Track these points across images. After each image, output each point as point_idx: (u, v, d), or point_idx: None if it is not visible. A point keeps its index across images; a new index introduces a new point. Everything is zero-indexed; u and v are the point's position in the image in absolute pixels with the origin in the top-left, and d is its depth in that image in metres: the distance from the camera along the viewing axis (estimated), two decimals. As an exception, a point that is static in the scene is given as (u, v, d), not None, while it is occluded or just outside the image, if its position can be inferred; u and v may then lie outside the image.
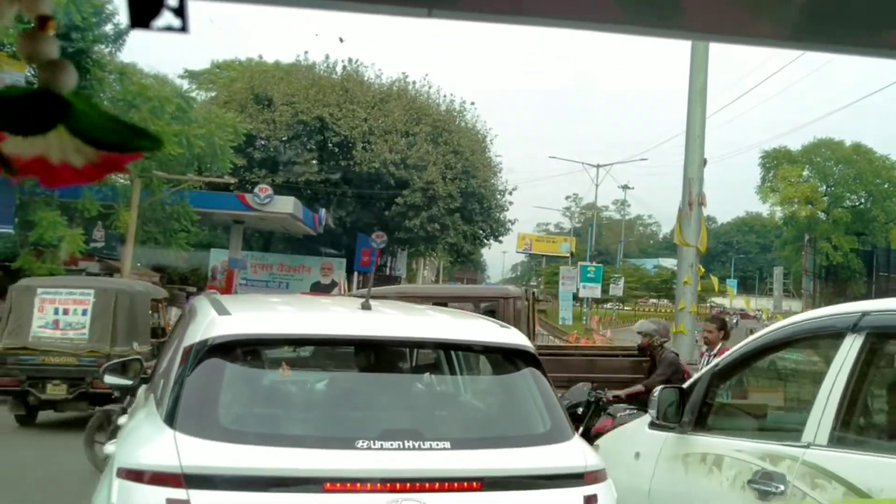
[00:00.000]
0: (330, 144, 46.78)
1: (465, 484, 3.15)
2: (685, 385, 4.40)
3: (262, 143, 45.79)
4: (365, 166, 44.94)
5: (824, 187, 68.88)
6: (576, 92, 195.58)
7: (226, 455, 3.00)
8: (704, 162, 15.04)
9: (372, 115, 46.38)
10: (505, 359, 3.88)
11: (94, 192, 30.51)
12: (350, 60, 50.72)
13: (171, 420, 3.13)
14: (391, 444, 3.16)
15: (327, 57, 50.51)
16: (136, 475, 2.95)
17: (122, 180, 33.12)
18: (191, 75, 52.86)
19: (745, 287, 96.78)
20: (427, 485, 3.07)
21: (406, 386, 4.10)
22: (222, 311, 3.56)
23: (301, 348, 4.29)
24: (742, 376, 4.60)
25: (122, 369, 5.01)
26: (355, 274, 48.94)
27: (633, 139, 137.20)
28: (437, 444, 3.24)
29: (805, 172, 70.07)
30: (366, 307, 3.83)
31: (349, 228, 48.70)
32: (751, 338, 4.12)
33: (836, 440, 3.23)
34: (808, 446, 3.28)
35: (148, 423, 3.37)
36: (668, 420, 4.26)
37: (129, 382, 4.89)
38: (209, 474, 2.95)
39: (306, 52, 48.74)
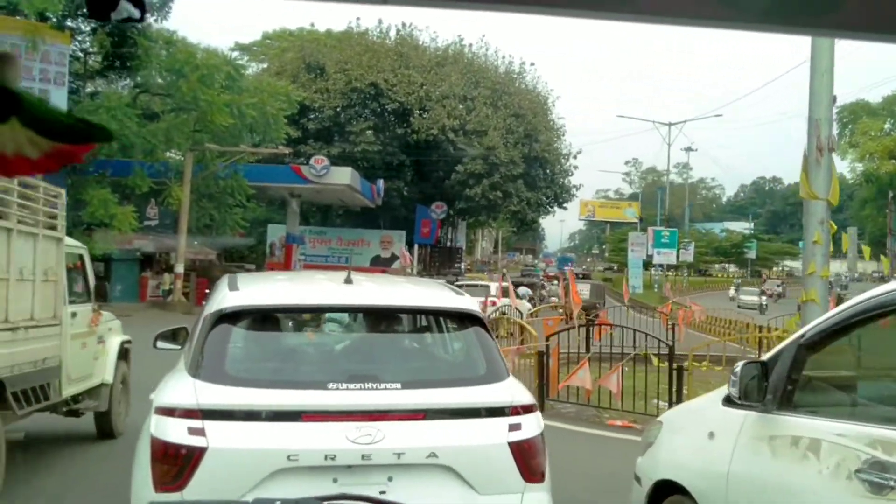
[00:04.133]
0: (385, 112, 45.05)
1: (411, 415, 4.01)
2: (766, 357, 4.00)
3: (316, 113, 44.34)
4: (423, 134, 43.15)
5: (909, 140, 64.68)
6: (645, 47, 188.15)
7: (231, 395, 3.93)
8: (834, 99, 12.56)
9: (428, 80, 44.48)
10: (455, 319, 4.76)
11: (146, 167, 29.41)
12: (404, 24, 48.87)
13: (192, 371, 4.11)
14: (355, 386, 4.03)
15: (380, 22, 48.74)
16: (167, 411, 3.89)
17: (174, 155, 31.95)
18: (241, 48, 51.58)
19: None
20: (381, 415, 3.94)
21: (372, 341, 5.05)
22: (234, 287, 4.56)
23: (292, 314, 5.22)
24: (839, 347, 3.96)
25: (172, 336, 5.63)
26: (416, 246, 47.41)
27: (708, 95, 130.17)
28: (391, 385, 4.06)
29: (886, 126, 65.88)
30: (348, 281, 4.68)
31: (407, 200, 47.10)
32: (848, 303, 3.70)
33: None
34: None
35: (177, 375, 4.27)
36: (749, 398, 3.86)
37: (178, 347, 5.37)
38: (219, 409, 3.87)
39: (358, 19, 46.75)
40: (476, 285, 32.92)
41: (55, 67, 26.46)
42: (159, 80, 30.43)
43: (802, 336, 3.83)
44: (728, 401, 4.12)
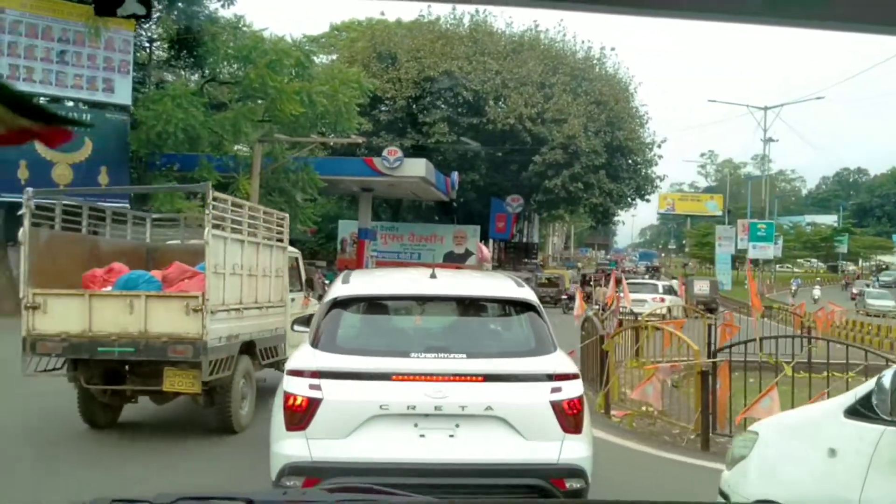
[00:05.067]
0: (460, 101, 43.04)
1: (473, 378, 5.15)
2: None
3: (387, 104, 42.58)
4: (499, 123, 41.00)
5: None
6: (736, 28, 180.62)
7: (340, 361, 5.28)
8: None
9: (504, 67, 42.30)
10: (514, 305, 5.94)
11: (213, 161, 28.01)
12: (477, 10, 46.74)
13: (313, 343, 5.52)
14: (430, 355, 5.28)
15: (453, 9, 46.72)
16: (295, 373, 5.26)
17: (243, 150, 30.50)
18: (310, 40, 50.21)
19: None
20: (450, 377, 5.12)
21: (446, 322, 6.22)
22: (345, 281, 6.13)
23: (387, 301, 6.25)
24: None
25: (306, 321, 6.61)
26: (490, 242, 45.34)
27: (804, 78, 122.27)
28: (458, 356, 5.25)
29: None
30: (433, 276, 6.07)
31: (482, 193, 45.02)
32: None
33: None
34: None
35: (303, 347, 5.72)
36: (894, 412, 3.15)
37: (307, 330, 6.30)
38: (331, 371, 5.20)
39: (429, 7, 44.76)
40: (643, 283, 31.98)
41: (119, 55, 25.22)
42: (226, 68, 28.97)
43: None
44: (854, 413, 3.57)
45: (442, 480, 4.99)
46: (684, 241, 78.26)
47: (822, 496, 3.57)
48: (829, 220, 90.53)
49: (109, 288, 8.65)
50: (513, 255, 48.46)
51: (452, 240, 46.23)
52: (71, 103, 24.97)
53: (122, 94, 25.35)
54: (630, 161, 45.37)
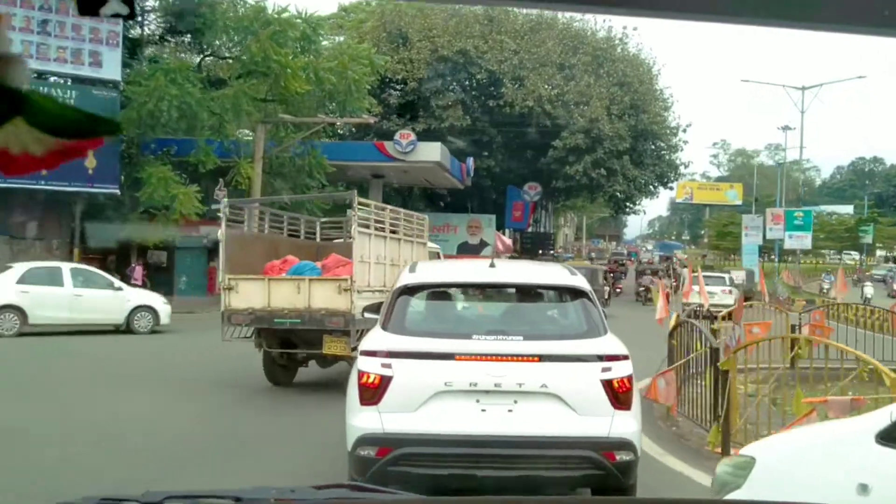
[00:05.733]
0: (475, 83, 40.64)
1: (529, 358, 5.47)
2: None
3: (398, 86, 40.22)
4: (517, 105, 38.59)
5: None
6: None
7: (408, 342, 5.67)
8: None
9: (522, 47, 39.86)
10: (567, 292, 6.26)
11: (213, 145, 25.79)
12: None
13: (383, 327, 5.89)
14: (490, 337, 5.61)
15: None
16: (368, 353, 5.68)
17: (245, 135, 28.21)
18: (317, 20, 47.88)
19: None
20: (508, 358, 5.44)
21: (504, 306, 6.70)
22: (412, 270, 6.58)
23: (451, 288, 6.83)
24: None
25: (376, 309, 6.99)
26: (506, 231, 43.02)
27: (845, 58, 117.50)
28: (515, 338, 5.59)
29: None
30: (492, 266, 6.55)
31: (498, 180, 42.65)
32: None
33: None
34: None
35: (374, 330, 6.08)
36: None
37: (377, 317, 6.58)
38: (400, 351, 5.58)
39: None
40: (709, 275, 30.92)
41: (107, 26, 22.90)
42: (226, 42, 26.65)
43: None
44: (890, 437, 2.90)
45: (501, 451, 5.38)
46: (703, 232, 75.68)
47: None
48: (845, 210, 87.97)
49: (284, 274, 11.04)
50: (529, 246, 46.11)
51: (466, 230, 43.86)
52: (54, 79, 22.64)
53: (111, 68, 23.02)
54: (654, 146, 42.94)
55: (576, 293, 6.08)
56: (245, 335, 11.34)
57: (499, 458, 5.37)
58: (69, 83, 23.18)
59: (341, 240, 13.25)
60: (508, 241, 40.76)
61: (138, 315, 18.41)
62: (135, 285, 23.72)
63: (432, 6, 42.98)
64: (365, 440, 5.45)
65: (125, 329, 18.15)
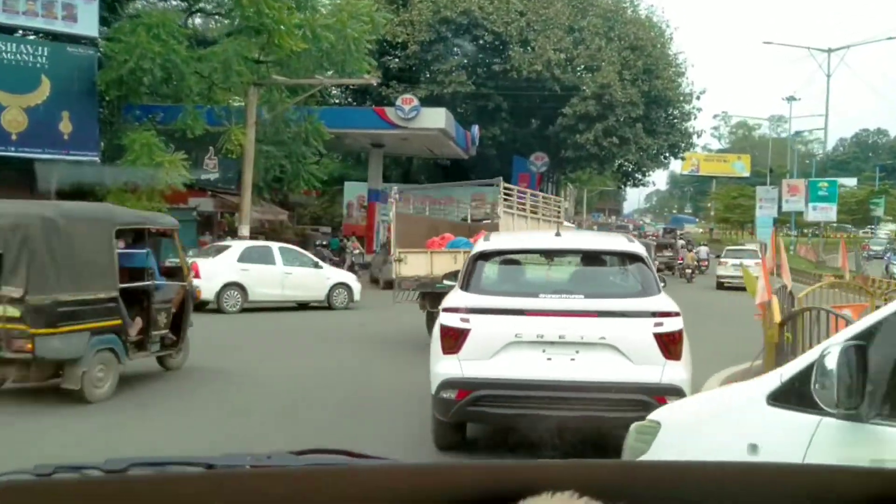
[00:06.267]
0: (480, 46, 38.43)
1: (590, 314, 6.14)
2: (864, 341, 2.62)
3: (398, 51, 38.03)
4: (524, 70, 36.44)
5: None
6: None
7: (483, 300, 6.42)
8: None
9: (529, 7, 37.63)
10: (625, 256, 6.89)
11: (199, 109, 23.78)
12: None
13: (462, 287, 6.67)
14: (555, 296, 6.37)
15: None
16: (449, 310, 6.43)
17: (237, 102, 26.14)
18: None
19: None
20: (571, 314, 6.12)
21: (568, 269, 7.79)
22: (486, 239, 7.32)
23: (521, 254, 7.76)
24: None
25: (453, 276, 8.34)
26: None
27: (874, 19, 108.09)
28: (577, 296, 6.33)
29: None
30: (557, 234, 7.82)
31: (504, 150, 40.56)
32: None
33: None
34: None
35: (454, 290, 6.89)
36: (829, 398, 2.58)
37: (454, 283, 7.41)
38: (476, 308, 6.32)
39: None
40: (741, 248, 32.63)
41: (82, -25, 20.77)
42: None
43: None
44: (781, 399, 2.93)
45: (564, 394, 6.02)
46: (709, 205, 73.71)
47: None
48: (850, 183, 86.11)
49: (443, 248, 12.89)
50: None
51: (470, 203, 41.87)
52: (22, 34, 20.49)
53: (87, 23, 20.87)
54: (667, 114, 40.90)
55: (633, 258, 6.74)
56: (412, 299, 13.33)
57: (562, 400, 6.01)
58: (40, 39, 21.08)
59: (489, 220, 15.40)
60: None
61: (336, 292, 19.57)
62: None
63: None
64: (446, 384, 6.22)
65: (326, 305, 19.34)
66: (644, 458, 3.47)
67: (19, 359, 8.08)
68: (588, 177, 59.26)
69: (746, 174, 70.39)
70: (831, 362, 2.60)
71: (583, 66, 37.56)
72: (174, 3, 25.92)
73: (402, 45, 37.57)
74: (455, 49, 38.32)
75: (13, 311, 7.95)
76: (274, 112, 24.85)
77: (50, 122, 20.11)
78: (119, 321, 8.71)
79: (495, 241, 7.26)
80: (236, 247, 19.17)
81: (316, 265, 19.77)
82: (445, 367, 6.25)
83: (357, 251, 28.83)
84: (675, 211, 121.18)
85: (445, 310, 6.47)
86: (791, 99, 68.82)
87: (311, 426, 7.91)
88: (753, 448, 3.02)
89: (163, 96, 26.38)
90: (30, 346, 7.91)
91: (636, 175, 45.89)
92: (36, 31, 20.86)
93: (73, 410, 8.09)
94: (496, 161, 41.15)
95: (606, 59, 36.78)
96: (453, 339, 6.26)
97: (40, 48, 20.32)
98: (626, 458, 3.79)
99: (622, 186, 55.38)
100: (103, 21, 21.70)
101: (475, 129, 35.73)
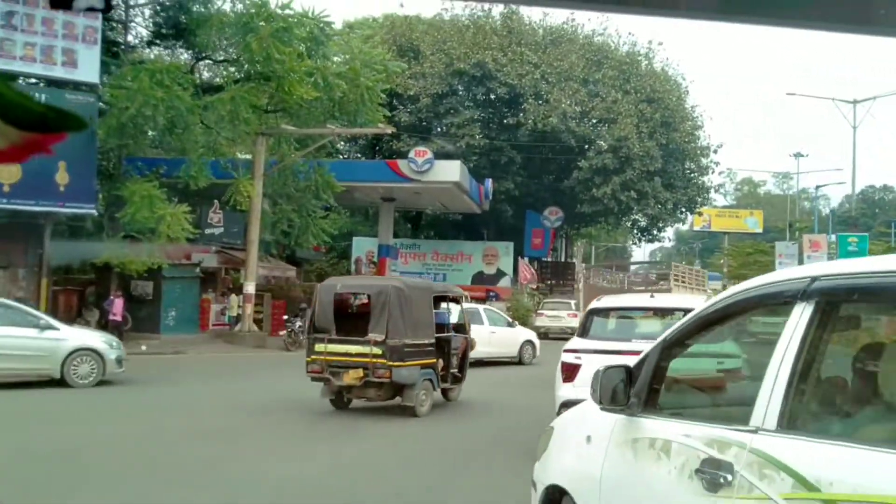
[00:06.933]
0: (493, 99, 37.58)
1: None
2: (635, 362, 4.09)
3: (410, 104, 37.16)
4: (538, 123, 35.47)
5: None
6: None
7: (591, 343, 8.85)
8: None
9: (543, 60, 36.83)
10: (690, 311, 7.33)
11: (205, 162, 22.63)
12: (507, 7, 41.28)
13: (578, 334, 9.43)
14: (643, 340, 7.32)
15: (484, 8, 41.17)
16: (567, 351, 9.12)
17: (244, 155, 25.03)
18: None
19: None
20: None
21: (658, 323, 9.01)
22: (598, 300, 9.94)
23: (621, 310, 10.02)
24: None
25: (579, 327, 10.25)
26: (525, 260, 39.69)
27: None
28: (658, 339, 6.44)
29: None
30: (651, 296, 10.23)
31: (517, 204, 39.39)
32: (702, 306, 3.97)
33: (785, 424, 2.92)
34: (755, 431, 3.01)
35: (573, 337, 9.52)
36: (615, 402, 4.00)
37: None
38: (586, 349, 8.80)
39: (451, 5, 39.16)
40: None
41: (84, 20, 19.72)
42: (222, 41, 23.50)
43: (665, 340, 3.93)
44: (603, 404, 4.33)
45: None
46: (722, 261, 72.18)
47: (582, 475, 4.23)
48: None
49: None
50: (550, 278, 42.75)
51: (482, 259, 40.59)
52: (21, 81, 19.37)
53: (88, 69, 19.72)
54: (685, 168, 39.81)
55: None
56: None
57: None
58: (38, 85, 20.00)
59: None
60: (532, 271, 37.44)
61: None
62: (114, 321, 20.40)
63: (444, 18, 40.18)
64: (566, 404, 7.51)
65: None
66: (545, 453, 4.78)
67: (381, 382, 11.47)
68: (598, 232, 58.04)
69: (759, 230, 69.11)
70: (596, 378, 4.07)
71: (598, 119, 36.58)
72: (180, 52, 24.91)
73: (413, 98, 36.72)
74: (468, 101, 37.43)
75: (377, 350, 11.37)
76: (282, 164, 23.66)
77: (45, 173, 18.84)
78: (434, 360, 12.05)
79: (604, 301, 9.86)
80: None
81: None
82: (565, 392, 8.71)
83: (367, 309, 27.38)
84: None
85: (565, 351, 9.15)
86: (798, 155, 68.01)
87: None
88: (588, 439, 4.28)
89: (167, 149, 25.30)
90: (388, 374, 11.30)
91: (651, 230, 44.55)
92: (34, 77, 19.76)
93: (406, 421, 11.40)
94: (509, 216, 40.04)
95: (623, 112, 35.83)
96: (570, 372, 8.86)
97: (37, 94, 19.17)
98: (539, 454, 4.87)
99: (637, 242, 53.96)
100: (105, 67, 20.63)
101: (488, 182, 34.61)
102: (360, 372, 11.30)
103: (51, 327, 13.81)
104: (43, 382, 13.40)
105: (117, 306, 20.31)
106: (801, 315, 2.98)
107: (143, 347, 19.78)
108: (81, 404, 12.18)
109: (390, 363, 11.22)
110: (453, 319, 13.79)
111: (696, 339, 3.91)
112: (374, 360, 11.23)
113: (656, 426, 3.72)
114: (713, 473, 3.11)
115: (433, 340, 11.98)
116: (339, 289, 12.32)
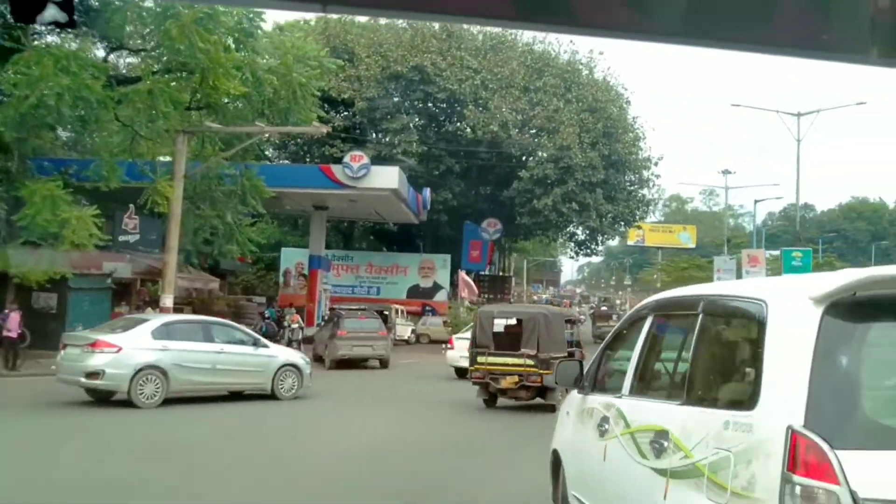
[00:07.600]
0: (432, 104, 36.13)
1: None
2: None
3: (344, 108, 35.43)
4: (479, 130, 34.13)
5: None
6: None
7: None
8: None
9: (484, 66, 35.56)
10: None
11: (121, 165, 20.53)
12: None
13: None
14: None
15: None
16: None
17: (164, 158, 22.89)
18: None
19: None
20: None
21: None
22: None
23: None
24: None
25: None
26: (461, 273, 38.27)
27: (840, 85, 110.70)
28: None
29: None
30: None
31: (455, 215, 37.95)
32: (626, 316, 5.85)
33: (633, 391, 4.77)
34: (621, 396, 4.83)
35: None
36: (574, 385, 5.88)
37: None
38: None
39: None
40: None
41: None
42: (140, 29, 21.37)
43: (605, 341, 5.84)
44: (579, 389, 5.90)
45: None
46: (654, 276, 72.29)
47: (563, 439, 5.94)
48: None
49: None
50: (486, 291, 41.41)
51: (418, 271, 39.03)
52: None
53: (-16, 53, 17.47)
54: (626, 180, 39.01)
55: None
56: None
57: None
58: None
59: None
60: (473, 285, 35.97)
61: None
62: (8, 337, 18.04)
63: (380, 21, 38.58)
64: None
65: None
66: (558, 425, 6.29)
67: (531, 386, 14.36)
68: (533, 246, 57.10)
69: (692, 245, 69.34)
70: (556, 369, 6.07)
71: (539, 128, 35.47)
72: (93, 41, 22.65)
73: (347, 103, 35.01)
74: (405, 106, 35.90)
75: (530, 361, 14.25)
76: (205, 166, 21.64)
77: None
78: None
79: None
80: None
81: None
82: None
83: (296, 325, 25.48)
84: (613, 283, 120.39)
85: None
86: (726, 172, 68.58)
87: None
88: (568, 413, 6.00)
89: (81, 151, 23.02)
90: (539, 380, 14.09)
91: (590, 244, 43.69)
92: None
93: (546, 416, 12.86)
94: (446, 227, 38.60)
95: (565, 121, 34.79)
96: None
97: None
98: (557, 426, 6.32)
99: (574, 256, 53.23)
100: (4, 53, 18.33)
101: (427, 191, 33.10)
102: (516, 378, 14.35)
103: (262, 344, 15.65)
104: (256, 395, 15.17)
105: (13, 321, 17.95)
106: (647, 325, 4.84)
107: (54, 367, 17.48)
108: (302, 415, 13.98)
109: (541, 371, 14.00)
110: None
111: (618, 341, 5.59)
112: (528, 369, 14.22)
113: (593, 399, 5.37)
114: (602, 424, 4.88)
115: (566, 353, 14.30)
116: (497, 314, 15.89)
